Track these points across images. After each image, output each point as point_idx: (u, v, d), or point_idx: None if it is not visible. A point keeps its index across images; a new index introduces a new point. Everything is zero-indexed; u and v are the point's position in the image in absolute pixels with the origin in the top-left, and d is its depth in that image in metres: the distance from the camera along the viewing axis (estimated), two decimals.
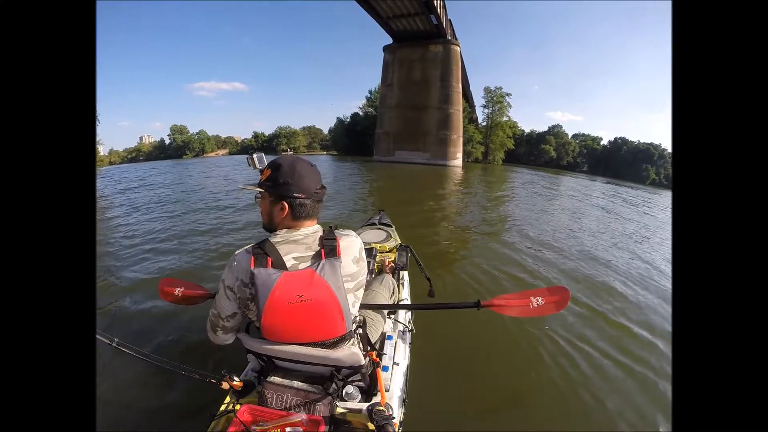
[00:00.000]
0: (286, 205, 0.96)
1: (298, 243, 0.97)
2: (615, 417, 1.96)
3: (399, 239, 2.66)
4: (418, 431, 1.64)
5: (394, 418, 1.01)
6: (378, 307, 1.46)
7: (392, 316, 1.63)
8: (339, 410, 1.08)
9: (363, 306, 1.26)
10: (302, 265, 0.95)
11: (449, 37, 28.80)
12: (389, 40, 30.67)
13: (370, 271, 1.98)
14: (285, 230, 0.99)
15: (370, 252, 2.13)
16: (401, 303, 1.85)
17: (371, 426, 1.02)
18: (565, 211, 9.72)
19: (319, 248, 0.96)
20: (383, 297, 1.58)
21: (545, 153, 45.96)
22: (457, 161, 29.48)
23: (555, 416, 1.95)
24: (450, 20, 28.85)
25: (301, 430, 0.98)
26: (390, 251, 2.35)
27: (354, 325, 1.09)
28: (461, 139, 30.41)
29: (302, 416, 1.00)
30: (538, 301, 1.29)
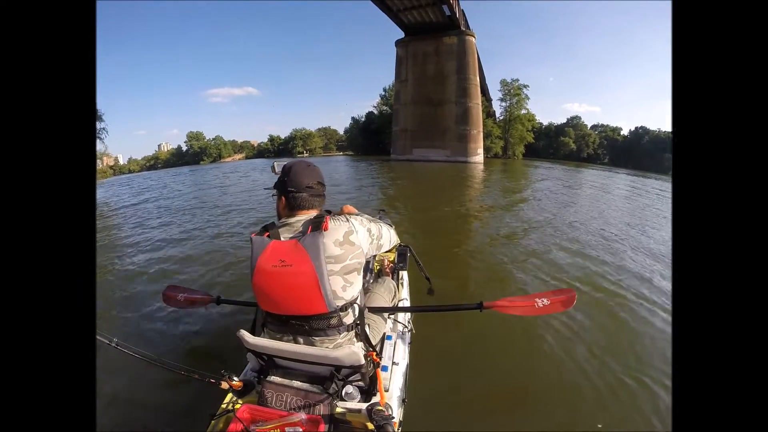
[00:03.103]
0: (284, 198, 1.13)
1: (291, 225, 1.10)
2: (616, 417, 1.96)
3: (398, 239, 2.66)
4: (418, 431, 1.64)
5: (393, 417, 1.01)
6: (379, 310, 1.46)
7: (392, 317, 1.63)
8: (338, 410, 1.09)
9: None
10: (290, 237, 1.08)
11: (463, 28, 27.38)
12: (401, 35, 29.48)
13: (370, 270, 1.99)
14: (285, 218, 1.14)
15: None
16: (403, 304, 1.85)
17: (371, 426, 1.02)
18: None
19: (308, 226, 1.07)
20: (384, 299, 1.58)
21: (565, 146, 43.94)
22: (478, 157, 28.13)
23: (555, 416, 1.94)
24: (463, 10, 27.47)
25: (300, 429, 0.98)
26: (389, 251, 2.35)
27: (348, 316, 1.10)
28: (481, 134, 28.95)
29: (302, 416, 1.00)
30: (543, 301, 1.29)
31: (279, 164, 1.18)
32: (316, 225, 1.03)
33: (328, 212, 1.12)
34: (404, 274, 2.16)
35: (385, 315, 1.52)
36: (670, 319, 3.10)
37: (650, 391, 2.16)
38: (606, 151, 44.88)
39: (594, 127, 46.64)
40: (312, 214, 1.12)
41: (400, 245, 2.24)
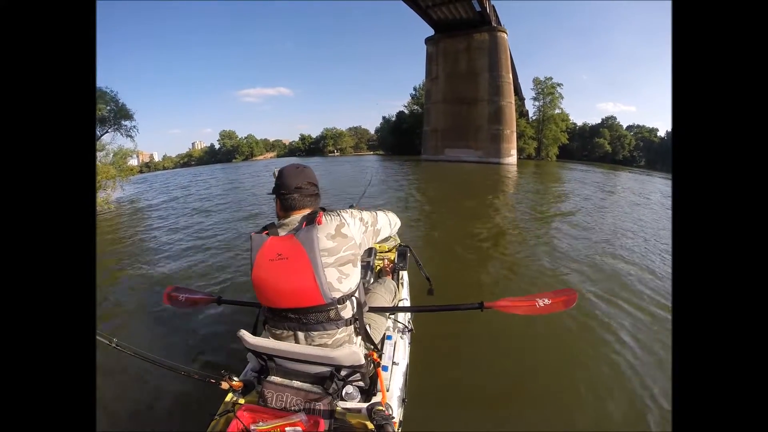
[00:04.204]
0: (278, 200, 1.19)
1: (287, 224, 1.16)
2: (616, 417, 1.96)
3: (398, 239, 2.67)
4: (418, 431, 1.64)
5: (393, 417, 1.01)
6: (380, 310, 1.46)
7: (392, 317, 1.63)
8: (339, 410, 1.09)
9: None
10: (287, 233, 1.13)
11: (494, 24, 26.39)
12: (430, 32, 28.60)
13: (370, 269, 1.99)
14: (282, 219, 1.19)
15: (369, 252, 2.14)
16: (403, 304, 1.85)
17: (371, 426, 1.02)
18: None
19: (303, 222, 1.11)
20: (384, 299, 1.59)
21: (600, 147, 41.42)
22: (512, 158, 26.72)
23: (556, 416, 1.95)
24: (494, 6, 26.47)
25: (300, 429, 0.98)
26: (389, 251, 2.35)
27: (346, 310, 1.11)
28: (515, 135, 27.56)
29: (302, 416, 1.00)
30: (544, 301, 1.30)
31: (277, 170, 1.23)
32: (310, 220, 1.09)
33: (323, 209, 1.16)
34: (404, 274, 2.16)
35: (386, 315, 1.52)
36: (670, 319, 3.10)
37: (650, 391, 2.16)
38: (642, 154, 42.04)
39: (629, 127, 43.92)
40: (306, 213, 1.15)
41: (400, 245, 2.24)
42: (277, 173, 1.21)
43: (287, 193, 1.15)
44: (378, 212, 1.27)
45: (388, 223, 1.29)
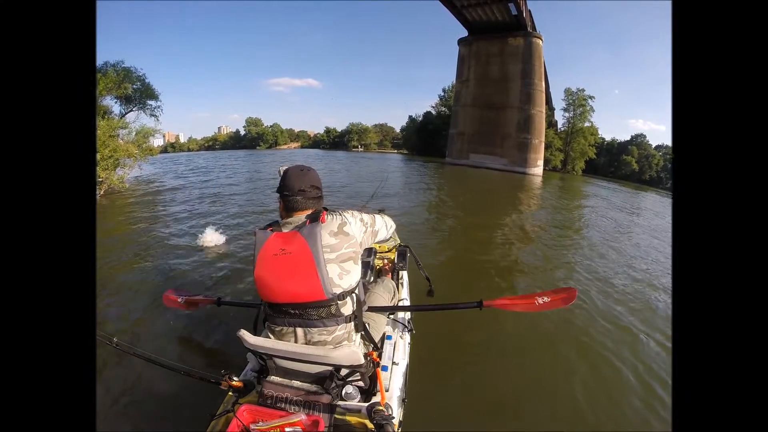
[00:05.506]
0: (281, 200, 1.20)
1: (291, 223, 1.17)
2: (616, 417, 1.96)
3: (398, 239, 2.67)
4: (418, 431, 1.64)
5: (393, 417, 1.01)
6: (380, 310, 1.46)
7: (392, 316, 1.63)
8: (338, 410, 1.09)
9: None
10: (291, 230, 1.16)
11: (530, 29, 25.56)
12: (463, 35, 27.98)
13: (370, 268, 1.99)
14: (285, 219, 1.21)
15: (369, 252, 2.14)
16: (403, 304, 1.85)
17: (370, 425, 1.02)
18: None
19: (307, 220, 1.14)
20: (383, 299, 1.59)
21: (627, 165, 39.32)
22: (538, 169, 25.71)
23: (555, 416, 1.94)
24: (530, 11, 25.65)
25: (300, 429, 0.98)
26: (389, 251, 2.35)
27: (347, 306, 1.12)
28: (543, 145, 26.52)
29: (301, 416, 1.00)
30: (543, 299, 1.32)
31: (282, 168, 1.24)
32: (314, 218, 1.12)
33: (325, 209, 1.18)
34: (404, 274, 2.15)
35: (385, 315, 1.53)
36: (670, 321, 3.10)
37: (650, 390, 2.16)
38: (668, 175, 39.54)
39: (658, 147, 41.20)
40: (309, 213, 1.17)
41: (400, 245, 2.24)
42: (282, 172, 1.23)
43: (291, 195, 1.17)
44: (375, 215, 1.31)
45: (384, 226, 1.33)
